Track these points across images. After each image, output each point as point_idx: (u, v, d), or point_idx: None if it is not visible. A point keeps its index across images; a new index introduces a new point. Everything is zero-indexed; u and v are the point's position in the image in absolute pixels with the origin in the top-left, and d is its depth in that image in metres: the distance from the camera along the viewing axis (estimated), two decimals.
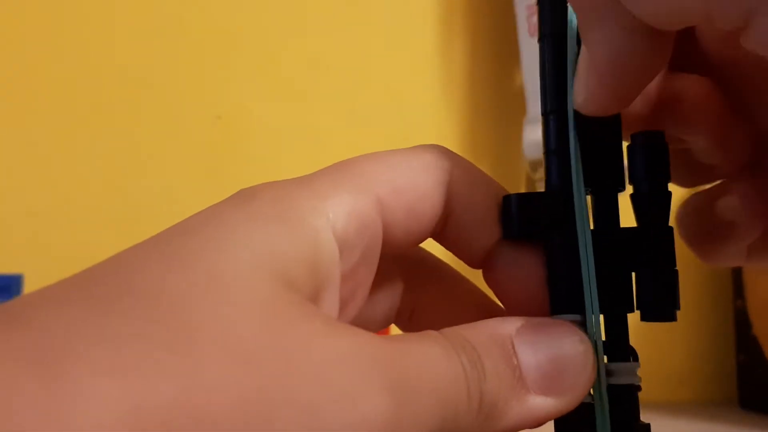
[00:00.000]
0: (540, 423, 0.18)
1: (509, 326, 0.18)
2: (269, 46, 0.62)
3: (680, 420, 0.51)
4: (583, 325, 0.19)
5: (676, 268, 0.19)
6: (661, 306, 0.19)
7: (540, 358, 0.18)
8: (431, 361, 0.17)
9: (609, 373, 0.19)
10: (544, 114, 0.20)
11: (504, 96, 0.61)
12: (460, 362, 0.17)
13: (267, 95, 0.61)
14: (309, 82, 0.62)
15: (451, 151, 0.20)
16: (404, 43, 0.62)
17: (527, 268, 0.20)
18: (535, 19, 0.54)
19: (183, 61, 0.61)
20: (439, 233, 0.20)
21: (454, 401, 0.17)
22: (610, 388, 0.19)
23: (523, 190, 0.57)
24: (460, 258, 0.21)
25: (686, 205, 0.23)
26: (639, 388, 0.19)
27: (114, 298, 0.15)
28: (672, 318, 0.19)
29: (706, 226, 0.22)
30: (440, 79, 0.62)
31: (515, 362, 0.18)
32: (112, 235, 0.58)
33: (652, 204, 0.19)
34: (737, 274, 0.55)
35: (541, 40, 0.20)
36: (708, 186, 0.23)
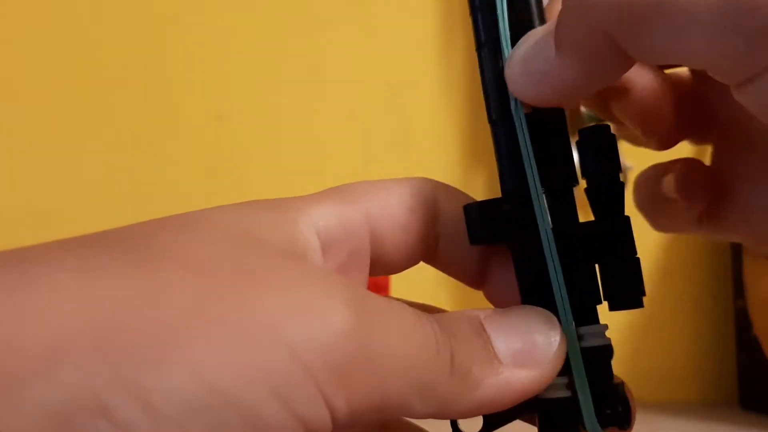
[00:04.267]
0: (518, 396, 0.18)
1: (477, 312, 0.19)
2: (269, 47, 0.62)
3: (681, 420, 0.51)
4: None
5: (637, 255, 0.19)
6: (627, 294, 0.19)
7: (509, 336, 0.18)
8: (397, 309, 0.17)
9: (579, 338, 0.19)
10: (491, 121, 0.20)
11: None
12: (428, 322, 0.17)
13: (267, 95, 0.61)
14: (309, 82, 0.62)
15: (436, 180, 0.21)
16: (404, 43, 0.62)
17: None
18: None
19: (183, 61, 0.61)
20: (432, 257, 0.21)
21: (421, 349, 0.17)
22: (583, 351, 0.19)
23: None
24: (458, 279, 0.22)
25: (639, 177, 0.24)
26: (610, 348, 0.19)
27: (93, 240, 0.16)
28: (639, 304, 0.19)
29: (654, 199, 0.23)
30: (440, 79, 0.62)
31: (486, 337, 0.18)
32: None
33: (606, 196, 0.20)
34: (738, 274, 0.55)
35: (478, 49, 0.20)
36: None
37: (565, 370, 0.19)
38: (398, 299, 0.19)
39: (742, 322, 0.54)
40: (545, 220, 0.19)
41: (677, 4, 0.16)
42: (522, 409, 0.19)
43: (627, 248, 0.19)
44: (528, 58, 0.19)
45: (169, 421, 0.13)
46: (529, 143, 0.19)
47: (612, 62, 0.17)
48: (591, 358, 0.19)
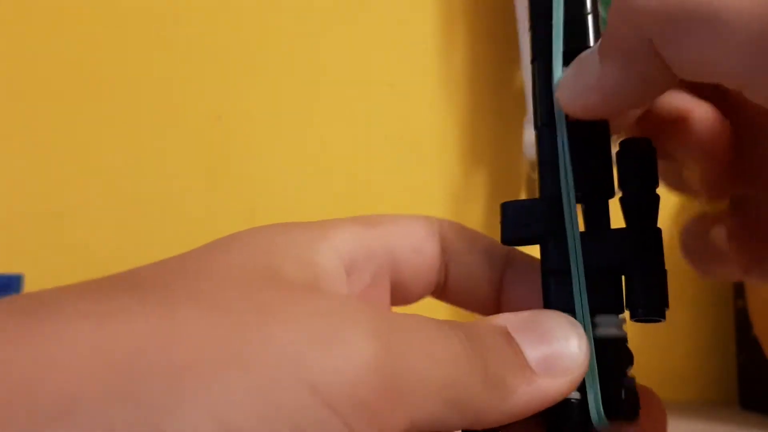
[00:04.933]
0: (550, 403, 0.18)
1: (501, 319, 0.19)
2: (270, 47, 0.62)
3: (681, 420, 0.51)
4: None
5: (665, 268, 0.20)
6: (651, 305, 0.20)
7: (537, 344, 0.18)
8: (423, 327, 0.17)
9: (594, 326, 0.19)
10: (537, 127, 0.21)
11: (504, 96, 0.61)
12: (455, 335, 0.17)
13: (268, 96, 0.61)
14: (309, 82, 0.62)
15: (439, 217, 0.22)
16: (404, 43, 0.62)
17: (535, 304, 0.21)
18: None
19: (184, 61, 0.61)
20: (443, 290, 0.22)
21: (452, 367, 0.17)
22: (596, 340, 0.19)
23: (523, 190, 0.57)
24: (471, 310, 0.22)
25: (687, 226, 0.24)
26: (625, 340, 0.20)
27: (107, 284, 0.16)
28: (662, 316, 0.20)
29: (703, 249, 0.24)
30: (440, 79, 0.62)
31: (516, 346, 0.18)
32: (113, 235, 0.58)
33: (640, 207, 0.20)
34: None
35: (533, 60, 0.21)
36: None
37: None
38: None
39: (743, 323, 0.54)
40: (574, 223, 0.19)
41: (718, 14, 0.15)
42: None
43: (657, 259, 0.20)
44: (576, 72, 0.19)
45: None
46: (567, 149, 0.20)
47: (653, 71, 0.17)
48: (603, 349, 0.19)
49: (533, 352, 0.18)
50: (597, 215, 0.20)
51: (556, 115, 0.20)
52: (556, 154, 0.20)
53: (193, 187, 0.60)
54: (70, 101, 0.60)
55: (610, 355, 0.19)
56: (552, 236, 0.20)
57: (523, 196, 0.57)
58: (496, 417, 0.17)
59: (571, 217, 0.19)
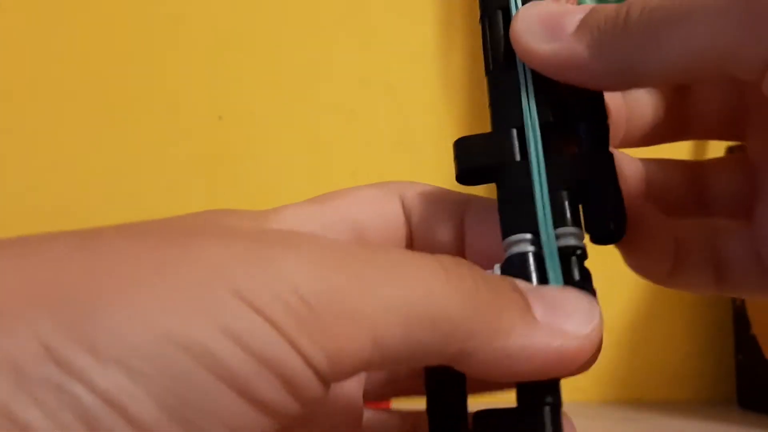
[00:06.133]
0: (550, 361, 0.16)
1: (519, 282, 0.18)
2: (270, 47, 0.62)
3: (679, 419, 0.51)
4: (534, 242, 0.19)
5: (619, 188, 0.20)
6: (609, 226, 0.20)
7: (549, 305, 0.17)
8: (384, 249, 0.17)
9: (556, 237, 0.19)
10: (489, 72, 0.22)
11: None
12: (433, 258, 0.16)
13: (268, 96, 0.61)
14: (310, 82, 0.62)
15: (400, 181, 0.22)
16: (404, 43, 0.62)
17: (495, 241, 0.20)
18: None
19: (185, 61, 0.61)
20: (410, 247, 0.22)
21: (422, 278, 0.16)
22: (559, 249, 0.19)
23: None
24: None
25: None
26: (584, 252, 0.19)
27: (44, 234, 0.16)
28: (621, 235, 0.20)
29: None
30: (440, 79, 0.62)
31: (524, 296, 0.17)
32: None
33: (592, 135, 0.20)
34: None
35: (483, 17, 0.22)
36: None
37: (542, 269, 0.19)
38: None
39: (741, 322, 0.55)
40: (538, 149, 0.20)
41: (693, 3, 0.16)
42: None
43: (610, 182, 0.20)
44: (543, 20, 0.19)
45: (116, 363, 0.13)
46: (530, 81, 0.20)
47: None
48: (564, 257, 0.19)
49: (542, 310, 0.17)
50: (547, 142, 0.20)
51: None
52: (512, 90, 0.20)
53: (193, 186, 0.61)
54: (73, 101, 0.60)
55: (571, 266, 0.19)
56: (508, 165, 0.20)
57: None
58: (487, 351, 0.16)
59: (535, 142, 0.20)
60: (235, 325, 0.14)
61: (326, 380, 0.15)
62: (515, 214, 0.20)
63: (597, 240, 0.20)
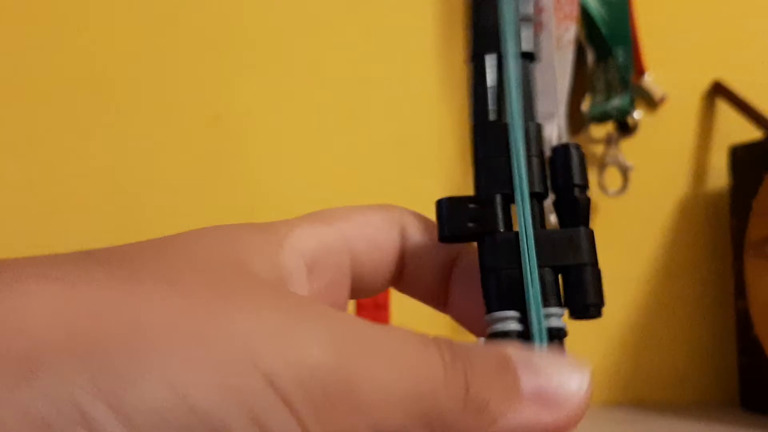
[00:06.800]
0: None
1: (508, 346, 0.18)
2: (269, 46, 0.62)
3: (681, 421, 0.51)
4: (520, 320, 0.19)
5: (599, 267, 0.20)
6: (588, 303, 0.20)
7: (538, 374, 0.18)
8: (392, 337, 0.17)
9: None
10: (474, 127, 0.21)
11: None
12: (436, 349, 0.17)
13: (266, 95, 0.61)
14: (308, 81, 0.62)
15: (402, 207, 0.23)
16: (404, 43, 0.62)
17: (478, 297, 0.21)
18: (536, 18, 0.54)
19: (182, 60, 0.61)
20: (399, 280, 0.22)
21: (423, 379, 0.16)
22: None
23: None
24: (424, 302, 0.23)
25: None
26: (566, 333, 0.20)
27: (76, 256, 0.16)
28: (598, 314, 0.20)
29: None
30: (440, 79, 0.62)
31: (513, 371, 0.17)
32: (112, 234, 0.57)
33: (573, 208, 0.21)
34: (739, 275, 0.55)
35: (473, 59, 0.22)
36: None
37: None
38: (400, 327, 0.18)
39: (743, 323, 0.54)
40: (527, 221, 0.20)
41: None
42: None
43: (590, 258, 0.20)
44: None
45: (144, 431, 0.13)
46: (522, 146, 0.20)
47: None
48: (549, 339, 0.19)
49: (530, 382, 0.17)
50: (534, 213, 0.20)
51: (512, 115, 0.21)
52: (495, 154, 0.21)
53: (191, 186, 0.60)
54: (70, 101, 0.60)
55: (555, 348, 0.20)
56: (489, 234, 0.20)
57: None
58: None
59: (524, 216, 0.20)
60: (259, 408, 0.14)
61: None
62: (501, 288, 0.20)
63: (577, 317, 0.20)
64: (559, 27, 0.53)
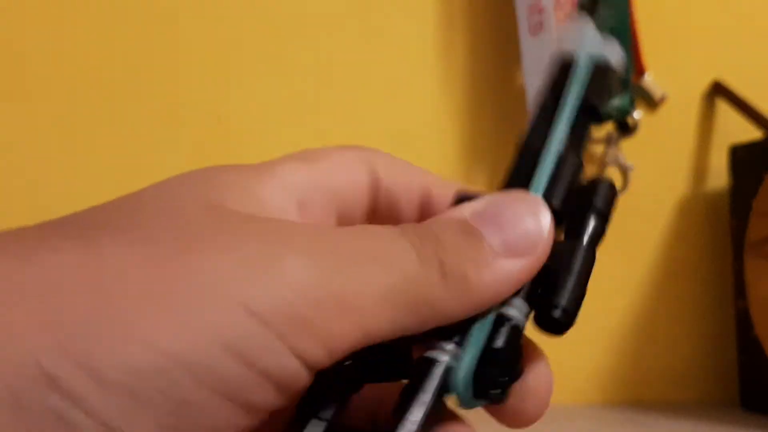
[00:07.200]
0: (517, 284, 0.18)
1: (462, 210, 0.19)
2: (270, 47, 0.62)
3: (681, 420, 0.51)
4: None
5: (585, 291, 0.19)
6: (558, 318, 0.19)
7: (501, 228, 0.18)
8: (369, 235, 0.17)
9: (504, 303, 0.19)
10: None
11: (504, 96, 0.61)
12: (406, 239, 0.17)
13: (268, 96, 0.61)
14: (309, 82, 0.62)
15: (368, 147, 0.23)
16: (404, 43, 0.62)
17: None
18: (536, 18, 0.54)
19: (183, 62, 0.61)
20: (373, 219, 0.22)
21: (402, 271, 0.16)
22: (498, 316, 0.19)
23: None
24: None
25: None
26: (522, 331, 0.19)
27: (33, 227, 0.17)
28: (561, 332, 0.19)
29: None
30: (440, 79, 0.62)
31: (478, 234, 0.18)
32: None
33: (593, 234, 0.20)
34: (739, 275, 0.55)
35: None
36: None
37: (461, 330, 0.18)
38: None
39: (744, 323, 0.54)
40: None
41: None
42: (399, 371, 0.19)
43: (582, 275, 0.19)
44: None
45: (118, 387, 0.13)
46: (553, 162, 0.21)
47: None
48: (514, 335, 0.19)
49: (496, 238, 0.18)
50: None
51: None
52: (531, 163, 0.21)
53: None
54: (71, 102, 0.60)
55: (511, 340, 0.18)
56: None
57: None
58: (461, 310, 0.17)
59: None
60: (242, 341, 0.14)
61: (316, 369, 0.15)
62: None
63: (541, 325, 0.19)
64: (559, 27, 0.53)
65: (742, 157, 0.56)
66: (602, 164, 0.58)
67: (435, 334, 0.18)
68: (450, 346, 0.18)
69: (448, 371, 0.18)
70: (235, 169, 0.20)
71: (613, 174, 0.58)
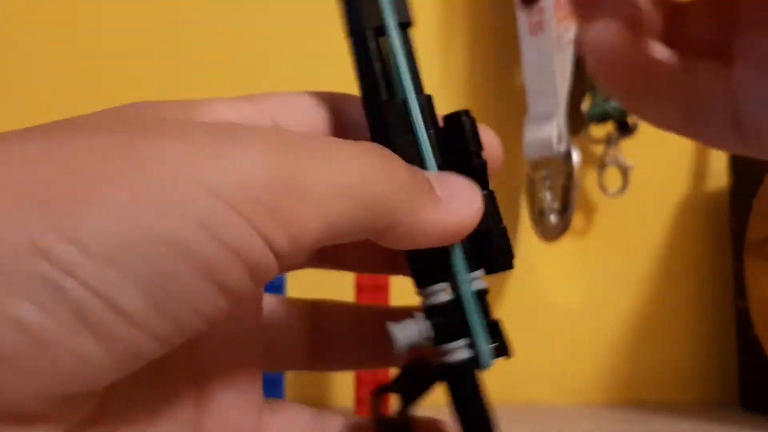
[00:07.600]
0: (448, 236, 0.19)
1: (425, 174, 0.20)
2: (270, 48, 0.62)
3: (682, 420, 0.51)
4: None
5: (503, 225, 0.22)
6: (501, 258, 0.21)
7: (447, 186, 0.20)
8: (331, 140, 0.18)
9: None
10: (371, 106, 0.23)
11: (504, 95, 0.61)
12: (371, 145, 0.18)
13: None
14: (310, 82, 0.62)
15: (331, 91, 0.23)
16: None
17: None
18: (535, 18, 0.54)
19: (183, 63, 0.61)
20: None
21: (361, 167, 0.17)
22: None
23: (523, 190, 0.57)
24: None
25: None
26: (486, 291, 0.21)
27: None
28: (510, 265, 0.21)
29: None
30: (440, 79, 0.62)
31: (431, 183, 0.19)
32: None
33: (472, 173, 0.21)
34: (739, 275, 0.55)
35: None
36: None
37: (459, 327, 0.20)
38: None
39: (744, 323, 0.54)
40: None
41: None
42: (432, 379, 0.20)
43: (494, 220, 0.21)
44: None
45: (104, 257, 0.14)
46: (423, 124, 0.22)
47: None
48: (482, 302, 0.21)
49: (443, 193, 0.19)
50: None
51: (407, 91, 0.23)
52: (400, 133, 0.21)
53: None
54: (71, 102, 0.60)
55: (483, 306, 0.21)
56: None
57: (522, 196, 0.57)
58: (407, 225, 0.18)
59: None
60: (210, 219, 0.15)
61: (283, 260, 0.16)
62: (429, 264, 0.21)
63: (491, 272, 0.22)
64: (559, 27, 0.53)
65: (742, 157, 0.56)
66: (602, 164, 0.58)
67: (440, 341, 0.20)
68: (461, 342, 0.20)
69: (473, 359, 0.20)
70: (172, 103, 0.21)
71: (613, 174, 0.58)
